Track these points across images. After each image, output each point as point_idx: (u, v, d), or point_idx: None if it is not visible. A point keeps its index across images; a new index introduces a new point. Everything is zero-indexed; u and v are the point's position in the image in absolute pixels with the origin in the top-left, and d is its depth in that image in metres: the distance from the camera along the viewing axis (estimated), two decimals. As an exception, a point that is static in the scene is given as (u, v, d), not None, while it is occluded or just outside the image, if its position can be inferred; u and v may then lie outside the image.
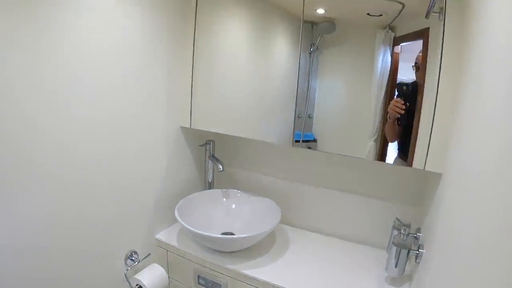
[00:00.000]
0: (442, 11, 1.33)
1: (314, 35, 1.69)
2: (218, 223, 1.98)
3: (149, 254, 1.88)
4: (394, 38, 1.53)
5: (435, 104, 1.37)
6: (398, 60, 1.54)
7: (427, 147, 1.41)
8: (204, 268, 1.78)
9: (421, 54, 1.45)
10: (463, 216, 0.94)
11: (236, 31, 1.87)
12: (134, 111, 1.68)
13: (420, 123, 1.43)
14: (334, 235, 2.04)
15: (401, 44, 1.53)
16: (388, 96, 1.57)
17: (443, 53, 1.34)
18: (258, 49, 1.84)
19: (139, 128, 1.72)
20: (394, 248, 1.54)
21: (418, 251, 1.46)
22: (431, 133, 1.40)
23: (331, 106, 1.77)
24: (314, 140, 1.78)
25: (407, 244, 1.53)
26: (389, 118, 1.57)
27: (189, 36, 1.91)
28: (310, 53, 1.71)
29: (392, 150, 1.63)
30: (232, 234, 1.91)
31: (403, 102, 1.52)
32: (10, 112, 1.15)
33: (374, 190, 1.89)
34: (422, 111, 1.43)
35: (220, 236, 1.72)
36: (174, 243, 1.89)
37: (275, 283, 1.59)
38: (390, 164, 1.65)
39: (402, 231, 1.56)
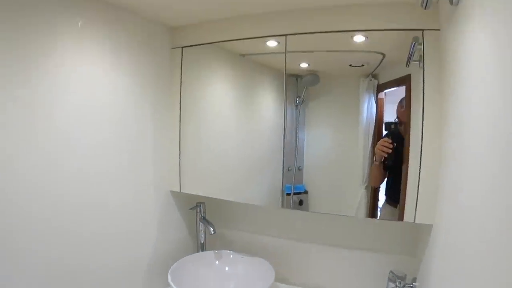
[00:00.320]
0: (421, 59, 1.36)
1: (299, 88, 1.70)
2: (212, 287, 1.90)
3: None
4: (378, 85, 1.55)
5: (421, 154, 1.38)
6: (383, 106, 1.55)
7: (416, 198, 1.39)
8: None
9: (401, 106, 1.47)
10: (456, 266, 0.92)
11: (221, 91, 1.89)
12: (124, 179, 1.67)
13: (409, 173, 1.41)
14: (330, 291, 1.95)
15: (385, 91, 1.54)
16: (376, 142, 1.56)
17: (424, 99, 1.37)
18: (244, 107, 1.85)
19: (129, 194, 1.70)
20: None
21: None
22: (418, 183, 1.38)
23: (320, 156, 1.74)
24: (305, 192, 1.74)
25: (403, 297, 1.48)
26: (375, 160, 1.55)
27: (175, 99, 1.93)
28: (296, 106, 1.71)
29: (383, 195, 1.60)
30: (227, 297, 1.82)
31: (390, 141, 1.51)
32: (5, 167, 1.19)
33: (367, 243, 1.83)
34: (409, 159, 1.42)
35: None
36: (167, 310, 1.79)
37: None
38: (382, 219, 1.63)
39: (397, 284, 1.50)
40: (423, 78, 1.36)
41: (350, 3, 1.48)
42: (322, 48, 1.64)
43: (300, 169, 1.75)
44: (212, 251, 2.05)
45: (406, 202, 1.42)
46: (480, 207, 0.76)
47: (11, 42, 1.19)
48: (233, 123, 1.87)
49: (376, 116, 1.56)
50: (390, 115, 1.54)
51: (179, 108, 1.92)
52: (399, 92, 1.50)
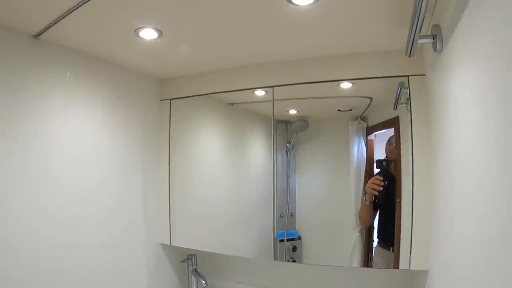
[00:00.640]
0: (408, 102, 1.38)
1: (289, 134, 1.70)
2: None
3: None
4: (367, 127, 1.56)
5: (412, 196, 1.37)
6: (373, 148, 1.55)
7: (410, 243, 1.37)
8: None
9: (390, 144, 1.48)
10: None
11: (210, 141, 1.88)
12: (112, 233, 1.63)
13: (402, 216, 1.40)
14: None
15: (374, 133, 1.54)
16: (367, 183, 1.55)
17: (413, 143, 1.38)
18: (234, 155, 1.84)
19: (118, 249, 1.66)
20: None
21: None
22: (412, 227, 1.37)
23: (312, 201, 1.73)
24: (299, 238, 1.71)
25: None
26: (365, 199, 1.53)
27: (164, 151, 1.92)
28: (286, 152, 1.71)
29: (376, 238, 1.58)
30: None
31: (382, 179, 1.50)
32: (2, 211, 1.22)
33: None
34: (401, 200, 1.40)
35: None
36: None
37: None
38: (377, 268, 1.60)
39: None
40: (411, 121, 1.37)
41: (336, 54, 1.52)
42: (309, 95, 1.67)
43: (292, 215, 1.72)
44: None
45: (400, 247, 1.39)
46: (473, 248, 0.74)
47: (4, 96, 1.22)
48: (223, 173, 1.86)
49: (366, 158, 1.56)
50: (380, 155, 1.54)
51: (168, 160, 1.91)
52: (388, 133, 1.51)
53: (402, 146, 1.41)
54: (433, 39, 0.99)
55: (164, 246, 1.96)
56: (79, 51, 1.48)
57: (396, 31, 1.25)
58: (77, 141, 1.48)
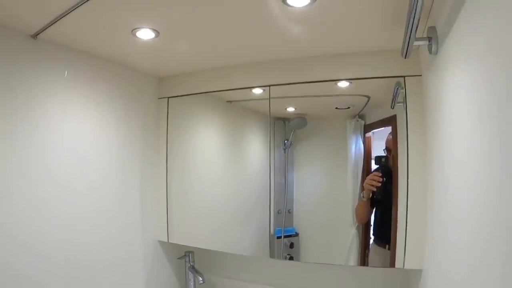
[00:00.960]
0: (405, 101, 1.38)
1: (287, 131, 1.71)
2: None
3: None
4: (364, 125, 1.56)
5: (407, 195, 1.37)
6: (371, 146, 1.56)
7: (404, 242, 1.38)
8: None
9: (390, 136, 1.48)
10: None
11: (208, 139, 1.89)
12: (110, 228, 1.64)
13: (398, 214, 1.40)
14: None
15: (372, 131, 1.55)
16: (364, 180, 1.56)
17: (408, 144, 1.38)
18: (231, 153, 1.85)
19: (117, 245, 1.67)
20: None
21: None
22: (406, 226, 1.37)
23: (310, 198, 1.73)
24: (296, 235, 1.72)
25: None
26: (363, 196, 1.54)
27: (161, 149, 1.92)
28: (284, 149, 1.71)
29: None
30: None
31: (380, 175, 1.50)
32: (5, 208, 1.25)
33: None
34: (398, 199, 1.41)
35: None
36: None
37: None
38: (372, 266, 1.61)
39: None
40: (407, 121, 1.38)
41: (333, 53, 1.52)
42: (307, 94, 1.67)
43: (290, 211, 1.73)
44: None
45: (396, 246, 1.40)
46: (466, 248, 0.75)
47: (3, 95, 1.23)
48: (221, 170, 1.86)
49: (364, 155, 1.57)
50: (378, 153, 1.54)
51: (165, 158, 1.92)
52: (386, 131, 1.51)
53: (399, 145, 1.42)
54: (429, 41, 0.99)
55: (161, 243, 1.97)
56: (77, 50, 1.48)
57: (393, 31, 1.25)
58: (76, 139, 1.48)
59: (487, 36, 0.60)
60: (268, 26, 1.27)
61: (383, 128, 1.54)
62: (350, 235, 1.59)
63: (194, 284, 2.01)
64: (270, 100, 1.66)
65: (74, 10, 1.11)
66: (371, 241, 1.58)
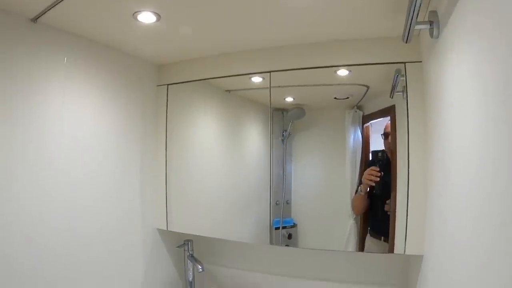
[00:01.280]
0: (405, 90, 1.38)
1: (285, 122, 1.71)
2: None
3: None
4: (363, 116, 1.56)
5: (408, 184, 1.38)
6: (369, 137, 1.56)
7: (405, 228, 1.38)
8: None
9: (389, 122, 1.49)
10: None
11: (207, 127, 1.89)
12: (109, 216, 1.64)
13: (397, 203, 1.41)
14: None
15: (370, 122, 1.55)
16: (363, 173, 1.56)
17: (409, 131, 1.38)
18: (230, 142, 1.85)
19: (115, 230, 1.68)
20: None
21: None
22: (407, 213, 1.38)
23: (308, 189, 1.74)
24: (294, 225, 1.72)
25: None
26: (360, 190, 1.54)
27: (161, 136, 1.92)
28: (282, 140, 1.71)
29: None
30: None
31: (378, 169, 1.51)
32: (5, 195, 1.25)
33: (358, 276, 1.78)
34: (397, 188, 1.41)
35: None
36: None
37: None
38: (371, 253, 1.62)
39: None
40: (407, 109, 1.38)
41: (333, 39, 1.52)
42: (306, 83, 1.67)
43: (288, 202, 1.73)
44: (200, 290, 1.99)
45: (396, 233, 1.41)
46: (466, 236, 0.75)
47: (3, 80, 1.22)
48: (219, 159, 1.86)
49: (362, 146, 1.57)
50: (376, 144, 1.55)
51: (164, 145, 1.91)
52: (384, 122, 1.52)
53: (398, 135, 1.42)
54: (430, 25, 1.00)
55: (160, 231, 1.97)
56: (77, 35, 1.47)
57: (393, 18, 1.25)
58: (75, 126, 1.48)
59: (492, 13, 0.59)
60: (269, 12, 1.27)
61: (381, 118, 1.54)
62: (348, 225, 1.60)
63: (193, 273, 2.01)
64: (270, 89, 1.66)
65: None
66: (368, 234, 1.59)
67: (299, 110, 1.69)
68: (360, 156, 1.58)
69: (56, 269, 1.39)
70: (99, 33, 1.49)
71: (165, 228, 1.93)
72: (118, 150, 1.69)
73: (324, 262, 1.86)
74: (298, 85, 1.69)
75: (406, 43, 1.00)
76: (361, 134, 1.57)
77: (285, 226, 1.73)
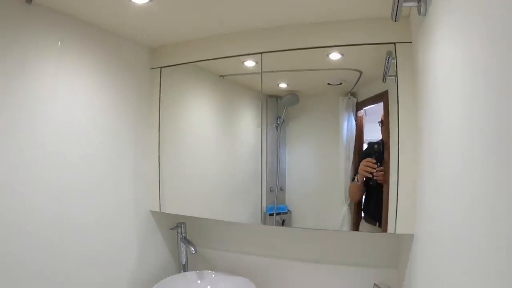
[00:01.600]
0: (396, 74, 1.39)
1: (279, 108, 1.72)
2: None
3: None
4: (357, 103, 1.57)
5: (398, 163, 1.39)
6: (363, 124, 1.57)
7: (395, 209, 1.40)
8: None
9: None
10: (439, 273, 0.91)
11: (201, 112, 1.90)
12: (102, 197, 1.65)
13: (390, 186, 1.42)
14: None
15: (364, 108, 1.56)
16: (357, 160, 1.56)
17: (399, 113, 1.39)
18: (224, 127, 1.86)
19: (108, 211, 1.68)
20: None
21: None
22: (397, 193, 1.39)
23: (302, 176, 1.75)
24: (288, 212, 1.73)
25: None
26: (357, 180, 1.55)
27: (154, 119, 1.94)
28: (276, 126, 1.72)
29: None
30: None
31: (374, 161, 1.51)
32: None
33: (351, 258, 1.82)
34: (390, 171, 1.42)
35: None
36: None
37: None
38: (365, 232, 1.63)
39: None
40: (397, 92, 1.39)
41: (324, 21, 1.53)
42: (299, 67, 1.68)
43: (282, 189, 1.74)
44: (194, 271, 2.01)
45: (388, 214, 1.42)
46: (453, 216, 0.77)
47: None
48: (213, 143, 1.88)
49: (356, 134, 1.58)
50: (370, 133, 1.55)
51: (158, 128, 1.93)
52: (377, 109, 1.52)
53: (391, 120, 1.43)
54: (418, 2, 1.00)
55: (153, 213, 1.99)
56: (71, 17, 1.48)
57: (384, -1, 1.25)
58: (69, 108, 1.48)
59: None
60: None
61: (374, 105, 1.55)
62: (342, 211, 1.61)
63: (186, 255, 2.03)
64: (262, 74, 1.67)
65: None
66: (362, 218, 1.60)
67: (292, 96, 1.70)
68: (354, 143, 1.58)
69: (48, 254, 1.40)
70: (92, 14, 1.49)
71: (158, 210, 1.94)
72: (113, 133, 1.70)
73: (317, 245, 1.88)
74: (291, 70, 1.70)
75: (395, 21, 1.00)
76: (355, 121, 1.58)
77: (279, 213, 1.73)
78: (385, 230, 1.44)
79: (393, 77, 1.41)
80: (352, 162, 1.58)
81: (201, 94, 1.90)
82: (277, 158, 1.73)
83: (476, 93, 0.62)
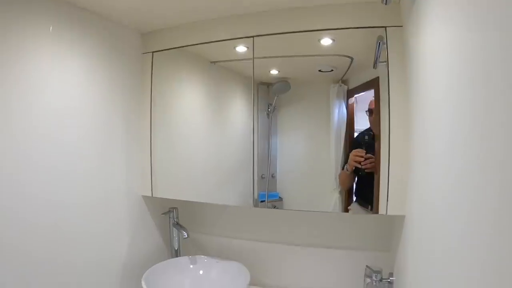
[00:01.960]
0: (387, 55, 1.39)
1: (270, 96, 1.71)
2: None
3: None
4: (348, 90, 1.57)
5: (389, 148, 1.40)
6: (354, 111, 1.56)
7: (386, 190, 1.41)
8: None
9: (373, 99, 1.49)
10: (430, 254, 0.92)
11: (192, 97, 1.89)
12: (93, 180, 1.65)
13: (381, 168, 1.43)
14: (307, 291, 1.96)
15: (355, 96, 1.55)
16: (347, 147, 1.57)
17: (390, 99, 1.40)
18: (215, 114, 1.85)
19: (99, 195, 1.69)
20: (368, 296, 1.48)
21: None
22: (388, 175, 1.41)
23: (293, 163, 1.76)
24: (280, 199, 1.73)
25: (380, 291, 1.48)
26: (347, 169, 1.56)
27: (146, 104, 1.93)
28: (268, 114, 1.71)
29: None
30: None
31: (364, 152, 1.52)
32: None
33: (343, 241, 1.85)
34: (380, 156, 1.43)
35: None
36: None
37: None
38: (356, 214, 1.66)
39: (374, 278, 1.50)
40: (388, 78, 1.39)
41: (315, 4, 1.53)
42: (290, 53, 1.67)
43: (273, 176, 1.74)
44: (186, 256, 2.02)
45: (379, 196, 1.44)
46: (444, 201, 0.77)
47: None
48: (204, 129, 1.88)
49: (347, 122, 1.58)
50: (361, 122, 1.56)
51: (149, 113, 1.92)
52: (368, 96, 1.52)
53: (381, 106, 1.43)
54: (408, -15, 0.99)
55: (145, 198, 1.99)
56: (63, 1, 1.46)
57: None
58: (60, 92, 1.47)
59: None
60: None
61: (365, 92, 1.55)
62: (333, 198, 1.62)
63: (179, 240, 2.04)
64: (254, 60, 1.66)
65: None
66: (354, 201, 1.61)
67: (283, 83, 1.69)
68: (345, 130, 1.58)
69: (39, 239, 1.39)
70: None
71: (150, 195, 1.95)
72: (105, 118, 1.70)
73: (309, 229, 1.91)
74: (282, 56, 1.69)
75: (385, 4, 1.00)
76: (346, 108, 1.57)
77: (271, 200, 1.74)
78: (376, 212, 1.45)
79: (384, 63, 1.41)
80: (343, 151, 1.59)
81: (192, 80, 1.90)
82: (269, 145, 1.74)
83: (463, 76, 0.62)
